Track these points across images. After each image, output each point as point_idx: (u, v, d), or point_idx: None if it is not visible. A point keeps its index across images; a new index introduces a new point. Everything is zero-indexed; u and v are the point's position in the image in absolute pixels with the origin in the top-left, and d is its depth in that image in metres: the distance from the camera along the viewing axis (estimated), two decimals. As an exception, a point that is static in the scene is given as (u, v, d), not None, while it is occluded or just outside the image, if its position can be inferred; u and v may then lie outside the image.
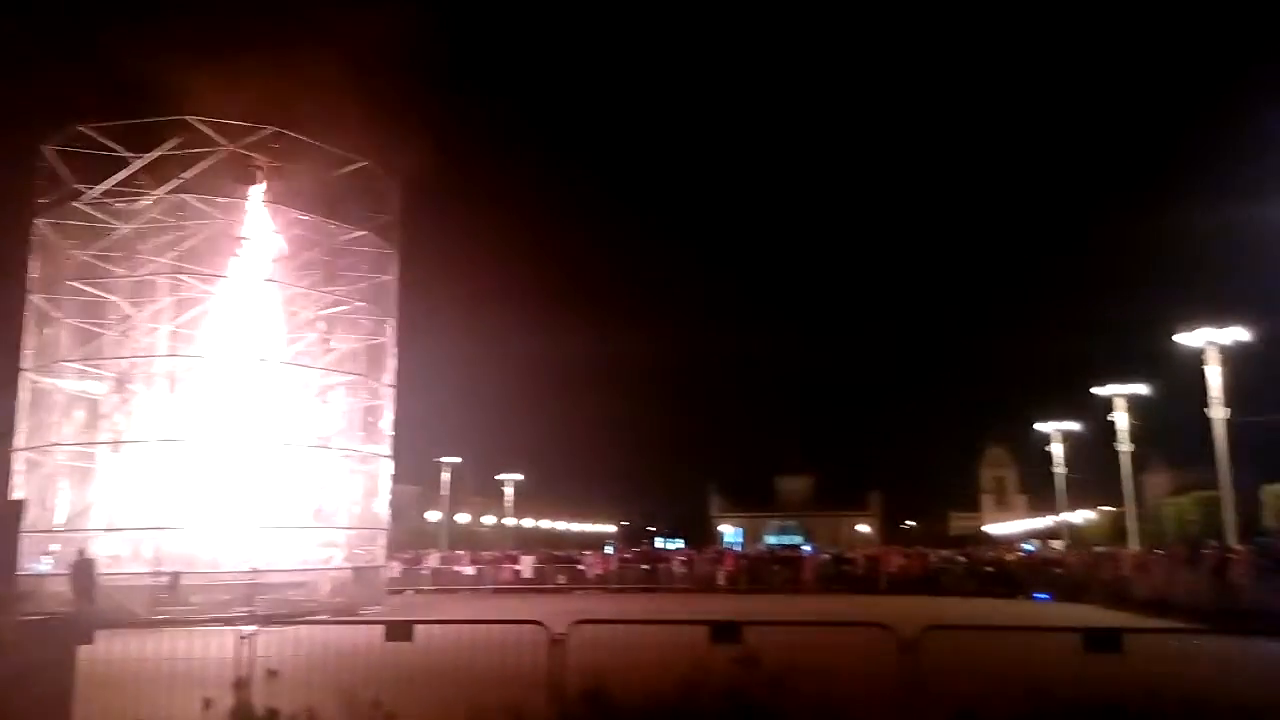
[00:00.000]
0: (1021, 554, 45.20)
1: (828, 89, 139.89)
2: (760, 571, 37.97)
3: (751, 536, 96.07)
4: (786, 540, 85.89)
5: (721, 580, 37.22)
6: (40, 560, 24.27)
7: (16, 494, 25.80)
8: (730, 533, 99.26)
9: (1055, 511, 62.43)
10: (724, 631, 8.71)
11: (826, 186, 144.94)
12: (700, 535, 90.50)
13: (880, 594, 34.34)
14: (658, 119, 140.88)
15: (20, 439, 27.37)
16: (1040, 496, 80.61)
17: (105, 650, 8.36)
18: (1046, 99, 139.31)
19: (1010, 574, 35.60)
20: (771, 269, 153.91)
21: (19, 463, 27.26)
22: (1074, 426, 54.17)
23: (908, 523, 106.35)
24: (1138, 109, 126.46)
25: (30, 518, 23.17)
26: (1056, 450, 54.80)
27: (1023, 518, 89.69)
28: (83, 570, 21.01)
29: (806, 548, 61.99)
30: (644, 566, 39.27)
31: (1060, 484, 56.21)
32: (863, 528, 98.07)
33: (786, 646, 8.29)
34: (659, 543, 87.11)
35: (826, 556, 40.70)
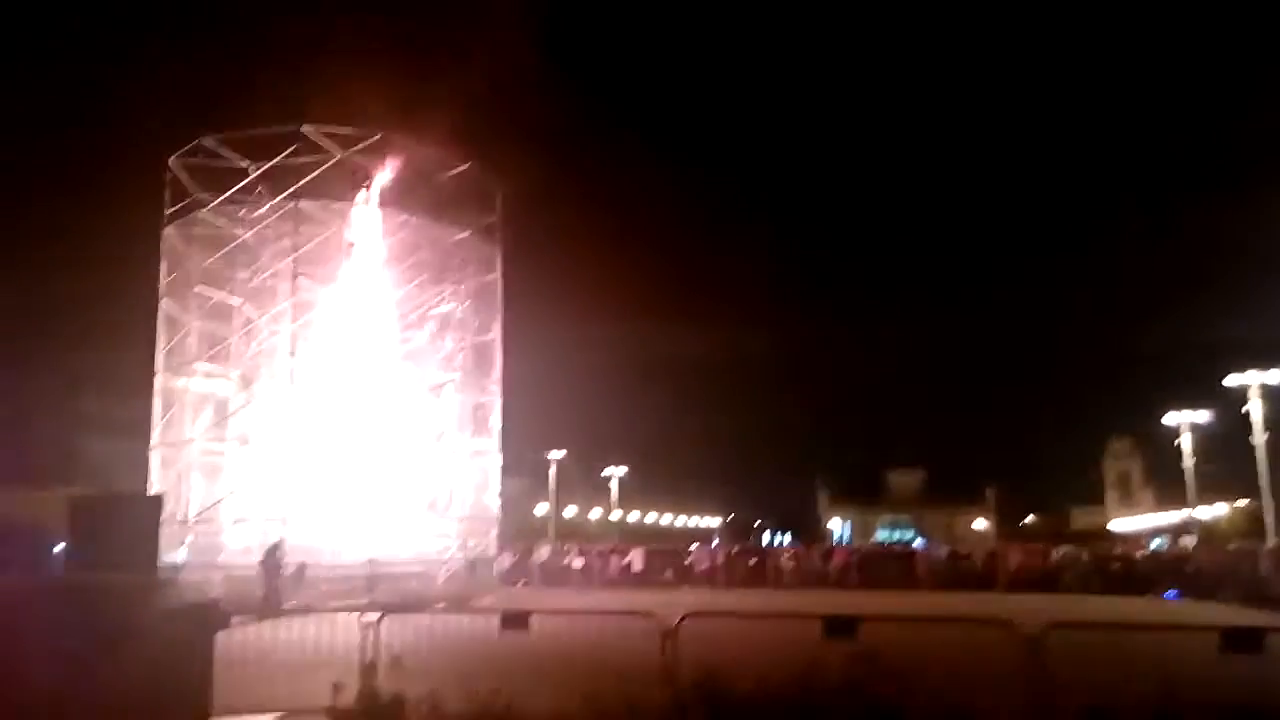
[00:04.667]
0: (1149, 551, 43.19)
1: (920, 72, 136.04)
2: (872, 567, 37.27)
3: (861, 531, 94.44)
4: (898, 535, 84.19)
5: (832, 576, 36.70)
6: (177, 551, 25.62)
7: (154, 489, 27.29)
8: (839, 527, 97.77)
9: (1185, 506, 59.50)
10: (839, 626, 8.55)
11: (941, 163, 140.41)
12: (808, 530, 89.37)
13: (999, 591, 33.34)
14: (757, 112, 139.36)
15: (155, 436, 28.98)
16: (1169, 491, 76.87)
17: (241, 636, 8.76)
18: (1179, 84, 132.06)
19: (1137, 571, 34.08)
20: (884, 255, 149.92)
21: (155, 459, 28.89)
22: (1205, 417, 51.53)
23: (1027, 518, 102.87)
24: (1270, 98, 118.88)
25: (166, 511, 24.50)
26: (1186, 442, 52.20)
27: (1150, 513, 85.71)
28: (271, 558, 22.41)
29: (919, 543, 60.64)
30: (752, 561, 39.01)
31: (1190, 477, 53.52)
32: (979, 523, 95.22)
33: (903, 643, 8.10)
34: (765, 537, 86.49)
35: (942, 552, 39.68)
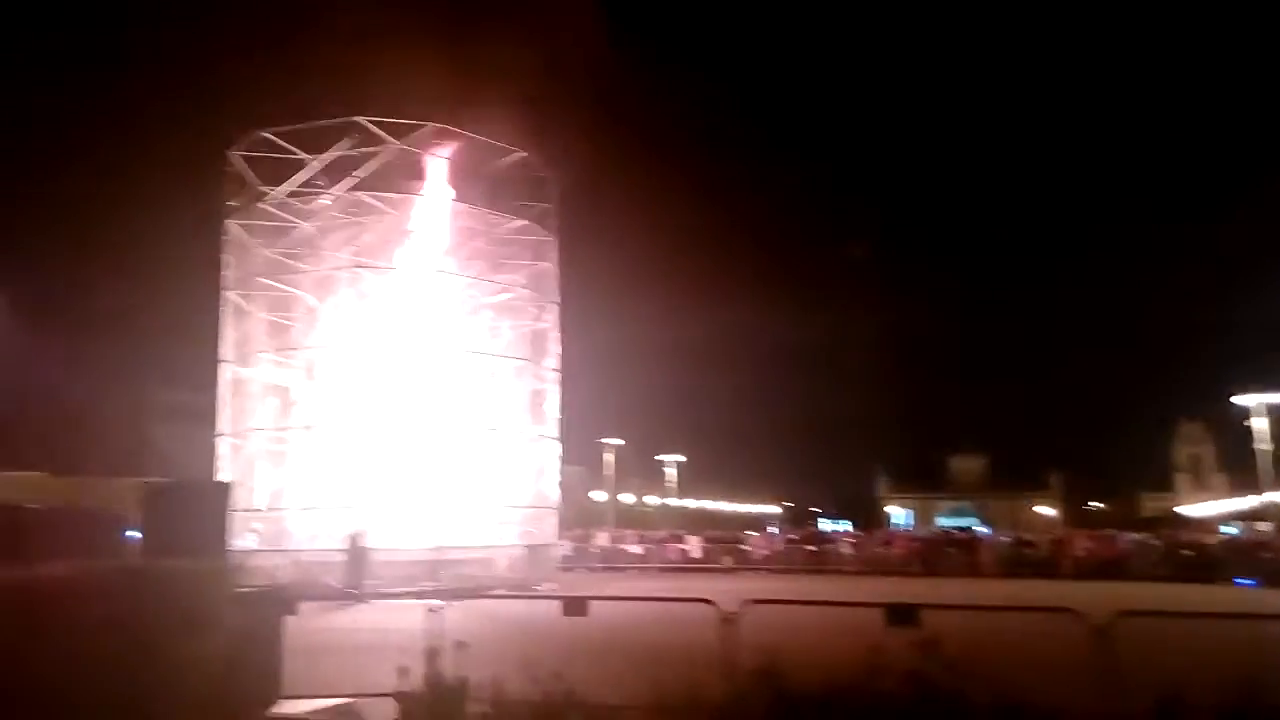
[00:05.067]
0: (1223, 537, 42.00)
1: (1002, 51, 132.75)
2: (933, 554, 36.83)
3: (922, 518, 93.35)
4: (960, 522, 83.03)
5: (893, 563, 36.34)
6: (245, 537, 26.26)
7: (223, 476, 28.00)
8: (899, 514, 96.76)
9: (1260, 491, 57.66)
10: (901, 614, 8.43)
11: (996, 143, 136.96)
12: (868, 517, 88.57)
13: (1065, 579, 32.69)
14: (816, 89, 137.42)
15: (223, 425, 29.71)
16: (1243, 475, 74.64)
17: (308, 621, 8.94)
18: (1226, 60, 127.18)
19: (1211, 558, 33.15)
20: (937, 234, 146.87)
21: (223, 447, 29.63)
22: (1279, 399, 49.79)
23: (1093, 504, 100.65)
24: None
25: (235, 498, 25.12)
26: (1259, 424, 50.52)
27: (1223, 498, 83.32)
28: (355, 545, 23.04)
29: (982, 530, 59.76)
30: (810, 548, 38.81)
31: (1265, 461, 51.83)
32: (1043, 509, 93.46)
33: (968, 631, 7.96)
34: (824, 524, 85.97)
35: (1006, 539, 39.04)
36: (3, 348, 29.86)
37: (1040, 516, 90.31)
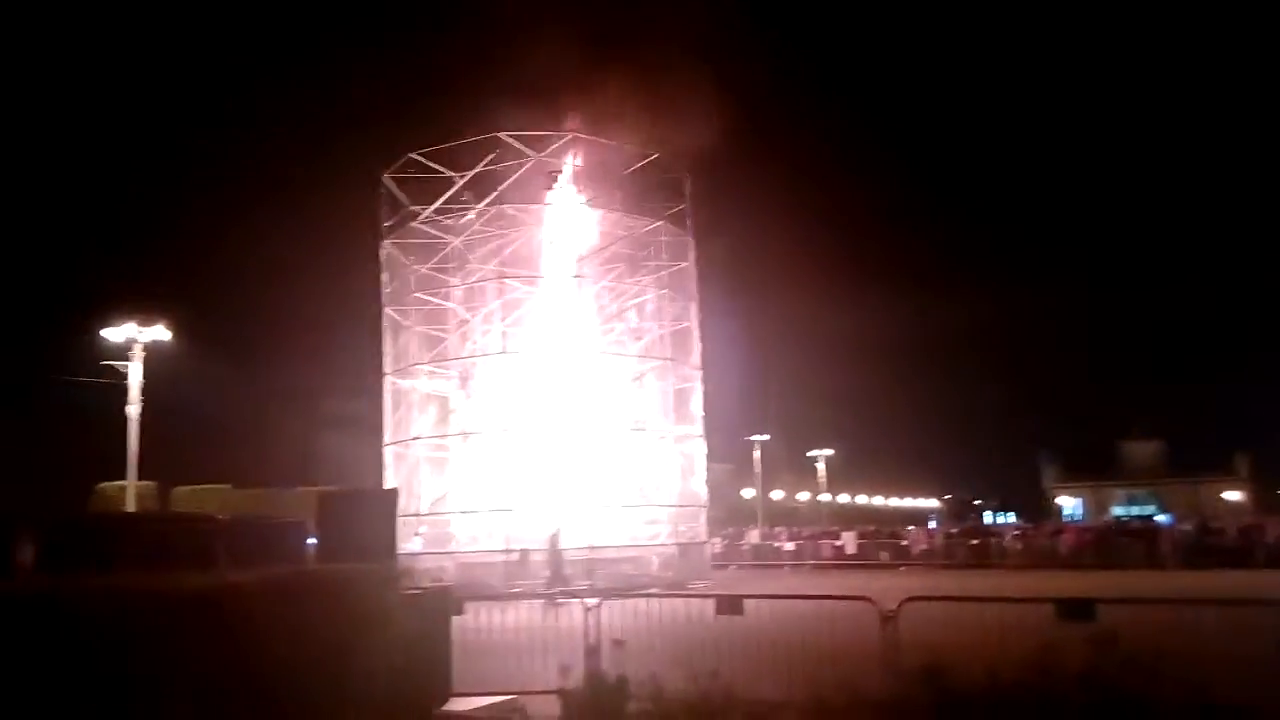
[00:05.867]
0: None
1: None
2: (1108, 545, 34.85)
3: (1095, 508, 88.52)
4: (1136, 511, 78.35)
5: (1063, 555, 34.63)
6: (411, 540, 27.44)
7: (388, 483, 29.38)
8: (1070, 505, 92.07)
9: None
10: (1075, 610, 8.00)
11: (1169, 102, 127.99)
12: (1034, 508, 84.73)
13: (1257, 568, 30.37)
14: (953, 74, 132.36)
15: (387, 434, 31.17)
16: None
17: (470, 620, 9.27)
18: None
19: None
20: (1105, 208, 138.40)
21: (388, 455, 31.09)
22: None
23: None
24: None
25: (401, 503, 26.26)
26: None
27: None
28: (554, 544, 23.98)
29: (1162, 518, 56.19)
30: (973, 542, 37.43)
31: None
32: (1230, 494, 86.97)
33: (1149, 627, 7.49)
34: (987, 517, 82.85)
35: (1188, 527, 36.58)
36: (188, 373, 32.24)
37: (1226, 502, 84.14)
